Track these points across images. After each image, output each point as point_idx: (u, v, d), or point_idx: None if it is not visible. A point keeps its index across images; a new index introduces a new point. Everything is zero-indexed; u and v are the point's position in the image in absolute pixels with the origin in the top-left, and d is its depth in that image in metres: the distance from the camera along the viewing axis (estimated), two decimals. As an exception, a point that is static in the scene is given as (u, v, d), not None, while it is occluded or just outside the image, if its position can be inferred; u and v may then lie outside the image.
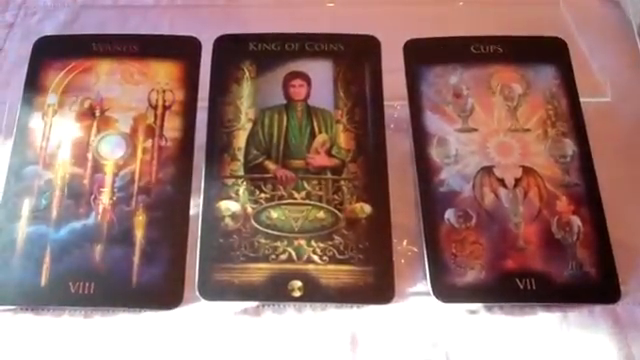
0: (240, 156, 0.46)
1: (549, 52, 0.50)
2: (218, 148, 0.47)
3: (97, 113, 0.48)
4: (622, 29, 0.56)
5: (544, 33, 0.51)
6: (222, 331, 0.42)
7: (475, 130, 0.47)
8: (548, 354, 0.41)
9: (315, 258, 0.43)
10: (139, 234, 0.44)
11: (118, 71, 0.49)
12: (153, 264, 0.43)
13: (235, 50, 0.50)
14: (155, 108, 0.48)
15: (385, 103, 0.48)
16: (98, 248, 0.44)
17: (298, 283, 0.43)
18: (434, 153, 0.46)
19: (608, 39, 0.56)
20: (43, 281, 0.43)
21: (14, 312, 0.43)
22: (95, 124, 0.47)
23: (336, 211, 0.45)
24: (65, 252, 0.43)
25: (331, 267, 0.43)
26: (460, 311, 0.43)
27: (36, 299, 0.43)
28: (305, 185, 0.45)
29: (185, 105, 0.48)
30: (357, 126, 0.47)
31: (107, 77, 0.49)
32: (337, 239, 0.44)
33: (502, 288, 0.42)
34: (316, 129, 0.47)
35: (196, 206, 0.45)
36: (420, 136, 0.47)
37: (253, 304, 0.43)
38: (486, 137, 0.47)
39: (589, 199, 0.45)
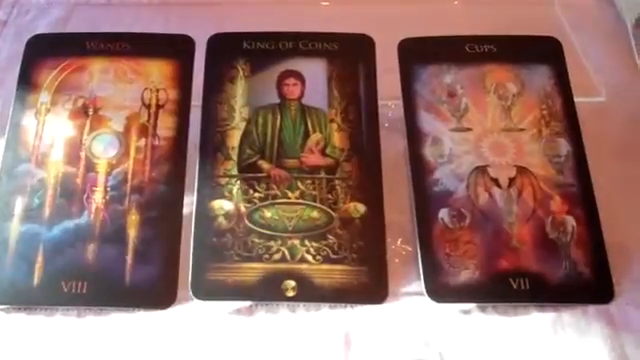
0: (234, 155, 0.46)
1: (544, 52, 0.50)
2: (212, 147, 0.46)
3: (90, 112, 0.48)
4: (616, 29, 0.57)
5: (539, 33, 0.51)
6: (215, 331, 0.42)
7: (469, 129, 0.47)
8: (542, 354, 0.41)
9: (309, 258, 0.43)
10: (132, 233, 0.44)
11: (111, 70, 0.49)
12: (146, 263, 0.43)
13: (229, 49, 0.50)
14: (148, 107, 0.48)
15: (379, 102, 0.48)
16: (91, 247, 0.43)
17: (292, 283, 0.42)
18: (428, 152, 0.46)
19: (602, 39, 0.56)
20: (36, 280, 0.43)
21: (6, 312, 0.43)
22: (88, 123, 0.47)
23: (330, 211, 0.45)
24: (58, 251, 0.43)
25: (325, 267, 0.43)
26: (453, 311, 0.43)
27: (29, 298, 0.43)
28: (299, 184, 0.45)
29: (179, 104, 0.48)
30: (351, 125, 0.47)
31: (100, 76, 0.49)
32: (331, 239, 0.44)
33: (496, 288, 0.42)
34: (310, 128, 0.47)
35: (189, 205, 0.45)
36: (414, 135, 0.47)
37: (246, 304, 0.43)
38: (480, 137, 0.47)
39: (583, 199, 0.45)
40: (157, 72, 0.49)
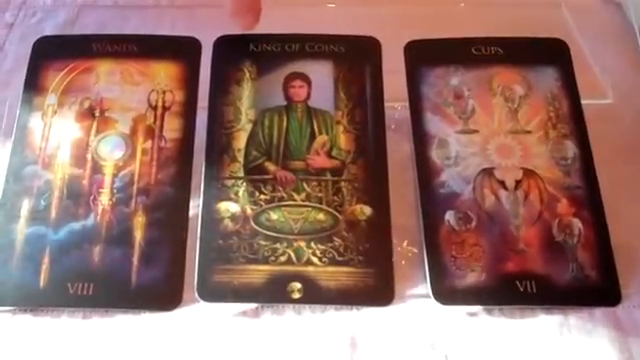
0: (240, 157, 0.46)
1: (550, 54, 0.50)
2: (218, 149, 0.46)
3: (97, 113, 0.48)
4: (624, 31, 0.56)
5: (545, 34, 0.51)
6: (221, 333, 0.42)
7: (476, 131, 0.47)
8: (548, 357, 0.41)
9: (315, 260, 0.43)
10: (138, 235, 0.44)
11: (118, 71, 0.49)
12: (152, 265, 0.43)
13: (235, 51, 0.50)
14: (155, 109, 0.48)
15: (385, 104, 0.48)
16: (97, 249, 0.43)
17: (298, 285, 0.42)
18: (434, 154, 0.46)
19: (610, 41, 0.56)
20: (42, 282, 0.43)
21: (13, 313, 0.43)
22: (95, 124, 0.47)
23: (336, 213, 0.44)
24: (64, 253, 0.43)
25: (331, 269, 0.43)
26: (460, 313, 0.43)
27: (35, 300, 0.43)
28: (305, 186, 0.45)
29: (185, 106, 0.48)
30: (357, 127, 0.47)
31: (107, 77, 0.49)
32: (337, 241, 0.44)
33: (502, 290, 0.42)
34: (316, 130, 0.47)
35: (195, 207, 0.45)
36: (420, 137, 0.47)
37: (252, 306, 0.43)
38: (487, 139, 0.47)
39: (590, 201, 0.45)
40: (163, 74, 0.49)
